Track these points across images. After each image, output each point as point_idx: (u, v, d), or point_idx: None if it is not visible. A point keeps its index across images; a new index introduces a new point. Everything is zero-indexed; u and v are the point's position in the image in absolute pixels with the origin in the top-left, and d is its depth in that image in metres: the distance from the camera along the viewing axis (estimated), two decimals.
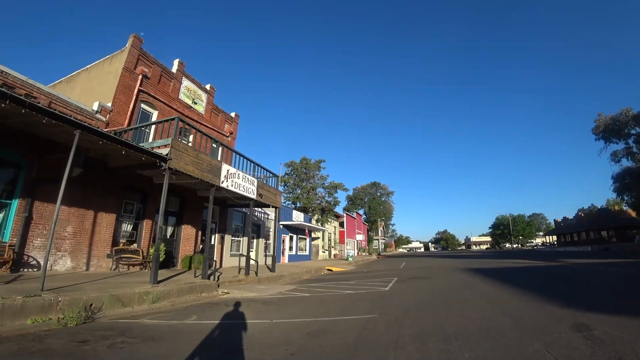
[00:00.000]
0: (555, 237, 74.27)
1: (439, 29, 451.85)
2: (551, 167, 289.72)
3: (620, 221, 50.48)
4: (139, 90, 14.18)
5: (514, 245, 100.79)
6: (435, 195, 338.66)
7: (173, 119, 10.78)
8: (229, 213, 19.17)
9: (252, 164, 14.97)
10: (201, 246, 15.80)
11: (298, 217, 29.42)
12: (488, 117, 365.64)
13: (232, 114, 20.83)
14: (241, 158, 14.63)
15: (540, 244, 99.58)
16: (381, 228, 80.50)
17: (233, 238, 19.80)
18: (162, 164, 9.73)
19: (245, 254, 14.36)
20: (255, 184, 14.25)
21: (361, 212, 73.55)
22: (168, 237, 15.09)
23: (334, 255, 41.30)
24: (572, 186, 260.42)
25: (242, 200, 14.79)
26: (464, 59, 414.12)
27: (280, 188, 36.60)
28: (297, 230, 30.01)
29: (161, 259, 12.89)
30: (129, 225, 13.31)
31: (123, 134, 11.06)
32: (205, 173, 11.18)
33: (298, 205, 34.80)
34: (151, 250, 13.02)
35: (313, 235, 34.53)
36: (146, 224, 13.56)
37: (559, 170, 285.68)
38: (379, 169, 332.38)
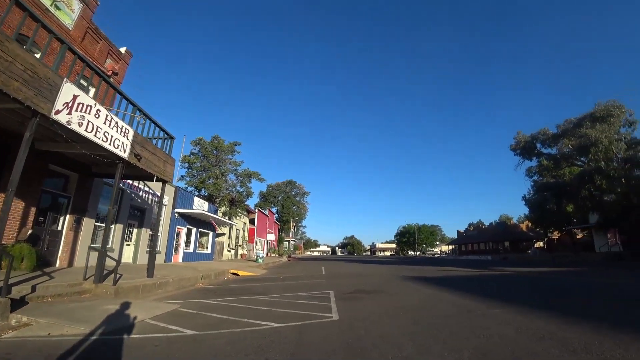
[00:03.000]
0: (453, 247, 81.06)
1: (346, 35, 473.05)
2: (448, 183, 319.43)
3: (514, 234, 55.86)
4: None
5: (417, 253, 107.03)
6: (343, 200, 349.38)
7: None
8: (96, 186, 13.16)
9: (133, 108, 9.58)
10: (30, 231, 9.73)
11: (201, 206, 23.77)
12: (395, 129, 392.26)
13: (122, 49, 14.79)
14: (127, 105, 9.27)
15: (439, 252, 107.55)
16: (292, 229, 77.18)
17: (99, 224, 13.76)
18: None
19: (104, 247, 8.89)
20: (131, 136, 8.88)
21: (274, 210, 69.10)
22: None
23: (241, 255, 36.07)
24: (464, 202, 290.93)
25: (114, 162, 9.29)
26: (381, 65, 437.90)
27: (183, 170, 30.43)
28: (198, 222, 24.29)
29: None
30: None
31: None
32: (16, 83, 5.68)
33: (203, 193, 28.92)
34: None
35: (218, 230, 29.01)
36: None
37: (453, 186, 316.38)
38: (294, 168, 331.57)
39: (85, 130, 7.28)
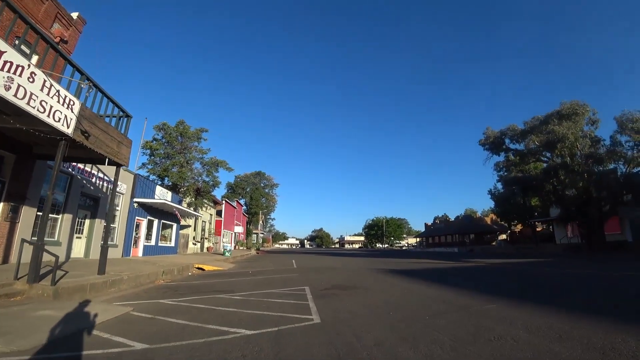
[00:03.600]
0: (420, 239, 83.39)
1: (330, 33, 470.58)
2: (414, 176, 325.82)
3: (480, 227, 58.01)
4: None
5: (385, 245, 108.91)
6: (312, 193, 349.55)
7: None
8: (38, 170, 11.50)
9: (81, 77, 8.17)
10: None
11: (164, 196, 22.13)
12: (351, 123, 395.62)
13: (74, 15, 13.03)
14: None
15: (406, 245, 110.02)
16: (261, 222, 75.66)
17: (41, 214, 12.08)
18: None
19: (41, 239, 7.54)
20: (77, 109, 7.52)
21: (242, 202, 67.24)
22: None
23: (208, 248, 34.48)
24: (430, 195, 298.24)
25: (53, 137, 7.87)
26: (353, 61, 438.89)
27: (145, 157, 28.32)
28: (160, 213, 22.61)
29: None
30: None
31: None
32: None
33: (166, 182, 27.09)
34: None
35: (183, 222, 27.34)
36: None
37: (420, 180, 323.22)
38: (263, 159, 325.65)
39: (15, 96, 5.92)
